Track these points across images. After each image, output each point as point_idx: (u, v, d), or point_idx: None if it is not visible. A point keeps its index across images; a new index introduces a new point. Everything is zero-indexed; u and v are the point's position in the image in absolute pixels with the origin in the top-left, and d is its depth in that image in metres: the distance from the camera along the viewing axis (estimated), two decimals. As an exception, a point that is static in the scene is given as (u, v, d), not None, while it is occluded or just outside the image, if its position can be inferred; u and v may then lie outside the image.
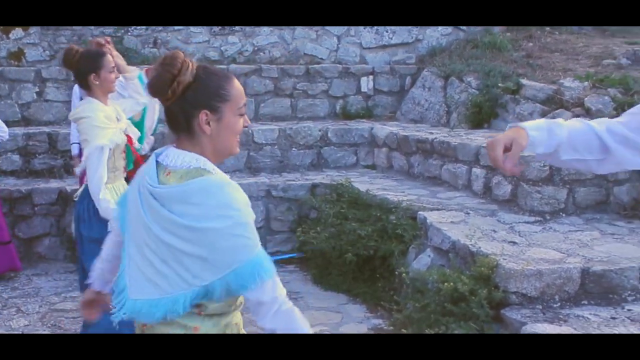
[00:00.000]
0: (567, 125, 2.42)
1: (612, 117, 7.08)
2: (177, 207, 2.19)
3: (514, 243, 5.56)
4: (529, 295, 4.88)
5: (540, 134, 2.37)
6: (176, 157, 2.30)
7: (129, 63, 5.57)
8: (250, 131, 8.72)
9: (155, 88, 2.25)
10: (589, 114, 7.83)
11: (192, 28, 9.85)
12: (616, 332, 4.45)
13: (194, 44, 9.93)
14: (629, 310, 4.83)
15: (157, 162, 2.34)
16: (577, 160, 2.44)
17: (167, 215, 2.19)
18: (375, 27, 10.33)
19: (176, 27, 9.80)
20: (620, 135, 2.40)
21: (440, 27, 10.49)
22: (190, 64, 2.26)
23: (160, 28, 9.79)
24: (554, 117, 8.00)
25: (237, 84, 2.35)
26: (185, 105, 2.26)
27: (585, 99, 7.93)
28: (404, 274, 5.84)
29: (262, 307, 2.20)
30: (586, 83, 8.19)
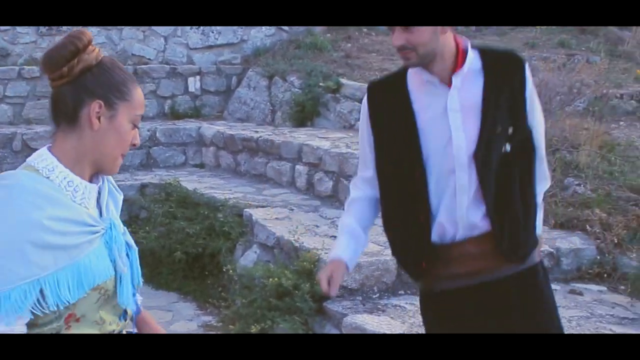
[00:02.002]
0: (353, 218, 2.99)
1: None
2: None
3: (335, 237, 5.94)
4: (349, 287, 5.26)
5: (354, 256, 2.95)
6: (35, 155, 2.03)
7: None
8: (77, 133, 8.74)
9: (51, 60, 1.98)
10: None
11: (18, 28, 9.71)
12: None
13: (21, 44, 9.79)
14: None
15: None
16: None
17: None
18: (202, 28, 10.53)
19: (1, 27, 9.63)
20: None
21: (264, 28, 10.81)
22: (97, 49, 2.07)
23: (-18, 28, 9.61)
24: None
25: (140, 91, 2.11)
26: (78, 89, 1.98)
27: (400, 98, 8.48)
28: (231, 271, 6.12)
29: None
30: (400, 83, 8.74)
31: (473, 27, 11.47)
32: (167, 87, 10.08)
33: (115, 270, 2.05)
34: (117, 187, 2.22)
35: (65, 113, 2.00)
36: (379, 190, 2.91)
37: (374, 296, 5.34)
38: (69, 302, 1.93)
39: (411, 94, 2.77)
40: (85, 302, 1.98)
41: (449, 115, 2.72)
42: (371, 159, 2.89)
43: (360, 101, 8.66)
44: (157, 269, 7.19)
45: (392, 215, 2.90)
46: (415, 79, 2.77)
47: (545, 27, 11.38)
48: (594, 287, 5.78)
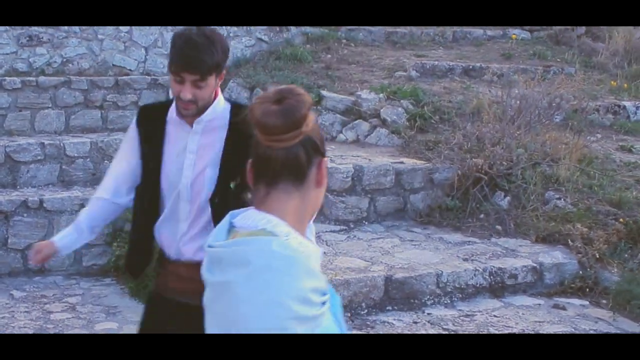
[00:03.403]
0: (85, 214, 3.41)
1: (405, 127, 7.68)
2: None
3: (322, 253, 6.04)
4: (337, 304, 5.36)
5: (69, 245, 3.39)
6: (250, 218, 1.88)
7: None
8: (61, 144, 8.75)
9: (293, 117, 1.81)
10: (385, 124, 8.50)
11: (-3, 39, 9.71)
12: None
13: (1, 55, 9.76)
14: (428, 314, 5.44)
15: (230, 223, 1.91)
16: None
17: None
18: (182, 39, 10.57)
19: (-20, 39, 9.63)
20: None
21: (244, 39, 10.87)
22: None
23: (-39, 40, 9.58)
24: (353, 127, 8.64)
25: None
26: (307, 146, 1.84)
27: (381, 110, 8.59)
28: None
29: None
30: (381, 95, 8.86)
31: (450, 38, 11.65)
32: (149, 98, 10.08)
33: None
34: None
35: (296, 172, 1.84)
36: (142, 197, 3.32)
37: (362, 312, 5.45)
38: None
39: (167, 126, 3.18)
40: None
41: (186, 155, 3.13)
42: (129, 171, 3.28)
43: (342, 113, 8.79)
44: (143, 283, 7.20)
45: (139, 220, 3.37)
46: (174, 115, 3.17)
47: (520, 38, 11.58)
48: (577, 301, 5.93)
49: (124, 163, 3.30)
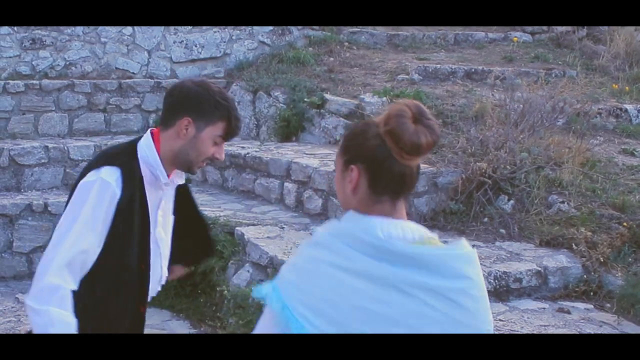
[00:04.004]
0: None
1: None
2: None
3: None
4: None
5: None
6: (409, 227, 2.07)
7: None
8: (65, 147, 8.77)
9: (438, 135, 2.01)
10: (387, 128, 8.51)
11: (1, 42, 9.72)
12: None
13: (5, 58, 9.79)
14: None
15: None
16: None
17: None
18: (185, 42, 10.60)
19: (-18, 43, 9.66)
20: None
21: (246, 42, 10.91)
22: None
23: (-34, 43, 9.61)
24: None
25: None
26: None
27: (384, 114, 8.61)
28: (225, 291, 6.22)
29: None
30: (384, 98, 8.88)
31: (452, 41, 11.68)
32: (152, 101, 10.13)
33: None
34: None
35: (414, 185, 2.08)
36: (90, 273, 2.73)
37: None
38: None
39: (145, 186, 2.80)
40: None
41: (166, 220, 2.99)
42: (96, 243, 2.72)
43: (345, 117, 8.81)
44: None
45: (102, 299, 2.79)
46: (147, 172, 2.80)
47: (522, 41, 11.61)
48: (581, 305, 5.95)
49: (91, 236, 2.69)
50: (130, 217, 2.74)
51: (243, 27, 10.81)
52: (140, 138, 2.86)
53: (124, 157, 2.76)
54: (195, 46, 10.68)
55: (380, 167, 2.02)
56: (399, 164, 2.00)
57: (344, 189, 2.09)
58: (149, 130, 2.87)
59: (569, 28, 11.52)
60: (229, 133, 2.78)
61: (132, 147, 2.80)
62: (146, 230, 2.81)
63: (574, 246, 6.40)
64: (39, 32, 9.90)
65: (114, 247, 2.73)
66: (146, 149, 2.78)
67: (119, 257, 2.75)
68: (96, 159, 2.83)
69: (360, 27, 11.37)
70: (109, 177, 2.69)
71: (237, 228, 6.87)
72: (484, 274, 5.78)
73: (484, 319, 2.01)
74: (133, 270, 2.79)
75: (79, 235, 2.65)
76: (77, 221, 2.65)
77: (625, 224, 6.50)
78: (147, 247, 2.82)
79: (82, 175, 2.75)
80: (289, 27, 11.02)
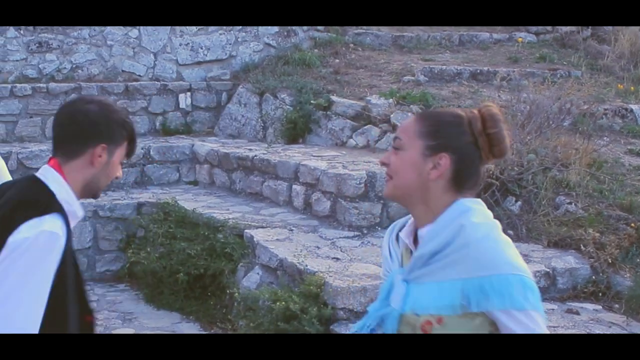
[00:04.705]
0: None
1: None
2: None
3: (337, 259, 6.10)
4: (355, 310, 5.41)
5: None
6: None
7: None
8: (72, 152, 8.82)
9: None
10: (395, 129, 8.55)
11: (8, 45, 9.76)
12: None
13: (12, 61, 9.83)
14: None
15: None
16: None
17: None
18: (191, 44, 10.64)
19: (-10, 46, 9.70)
20: None
21: (252, 44, 10.95)
22: None
23: (-28, 46, 9.65)
24: (363, 132, 8.70)
25: None
26: None
27: (391, 115, 8.64)
28: (236, 294, 6.25)
29: None
30: (391, 100, 8.91)
31: (457, 42, 11.70)
32: (158, 104, 10.17)
33: None
34: None
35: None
36: None
37: (379, 318, 5.48)
38: None
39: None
40: None
41: None
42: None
43: (352, 119, 8.84)
44: (158, 289, 7.29)
45: None
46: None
47: (526, 41, 11.63)
48: (590, 305, 5.98)
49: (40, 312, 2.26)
50: (66, 268, 2.34)
51: (249, 29, 10.84)
52: (33, 176, 2.50)
53: (51, 201, 2.39)
54: (201, 48, 10.72)
55: (471, 164, 2.15)
56: (482, 164, 2.16)
57: (420, 171, 2.15)
58: (46, 165, 2.50)
59: (574, 28, 11.55)
60: (131, 151, 2.61)
61: (41, 186, 2.44)
62: (80, 277, 2.47)
63: (582, 247, 6.42)
64: (45, 35, 9.94)
65: (54, 310, 2.29)
66: (57, 185, 2.44)
67: (60, 320, 2.34)
68: (13, 208, 2.36)
69: (365, 28, 11.40)
70: (56, 228, 2.31)
71: (246, 230, 6.90)
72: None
73: None
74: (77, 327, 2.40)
75: (31, 320, 2.23)
76: (24, 299, 2.22)
77: (632, 224, 6.52)
78: (86, 297, 2.50)
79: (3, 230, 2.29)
80: (294, 28, 11.05)
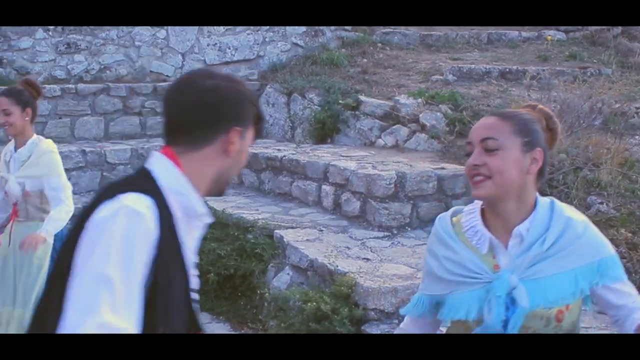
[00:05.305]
0: None
1: (445, 132, 7.74)
2: None
3: (367, 259, 6.09)
4: (386, 311, 5.40)
5: None
6: None
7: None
8: (102, 151, 8.86)
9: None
10: (424, 129, 8.52)
11: (37, 47, 9.84)
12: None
13: (40, 62, 9.91)
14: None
15: None
16: None
17: None
18: (218, 44, 10.67)
19: (22, 46, 9.76)
20: None
21: (279, 43, 10.96)
22: None
23: (5, 47, 9.71)
24: (392, 132, 8.67)
25: None
26: None
27: (420, 115, 8.61)
28: (267, 294, 6.25)
29: None
30: (419, 100, 8.88)
31: (485, 40, 11.64)
32: (186, 104, 10.20)
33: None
34: None
35: None
36: None
37: (410, 319, 5.46)
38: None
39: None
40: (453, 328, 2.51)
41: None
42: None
43: (380, 118, 8.82)
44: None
45: None
46: (176, 206, 1.97)
47: (556, 39, 11.55)
48: (623, 307, 5.91)
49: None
50: (168, 270, 1.90)
51: (276, 29, 10.86)
52: (142, 167, 2.04)
53: (146, 184, 1.94)
54: (229, 48, 10.74)
55: (547, 157, 2.36)
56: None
57: (521, 168, 2.30)
58: (156, 153, 2.04)
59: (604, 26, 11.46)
60: (260, 132, 2.17)
61: (145, 174, 1.99)
62: (188, 290, 2.01)
63: (614, 247, 6.35)
64: (73, 36, 10.01)
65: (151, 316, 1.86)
66: (169, 175, 1.98)
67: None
68: (103, 190, 1.95)
69: (393, 27, 11.37)
70: (139, 206, 1.85)
71: (276, 231, 6.90)
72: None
73: None
74: None
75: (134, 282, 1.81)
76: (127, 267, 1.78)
77: (665, 225, 6.46)
78: (193, 313, 2.05)
79: (86, 215, 1.88)
80: (321, 28, 11.05)
